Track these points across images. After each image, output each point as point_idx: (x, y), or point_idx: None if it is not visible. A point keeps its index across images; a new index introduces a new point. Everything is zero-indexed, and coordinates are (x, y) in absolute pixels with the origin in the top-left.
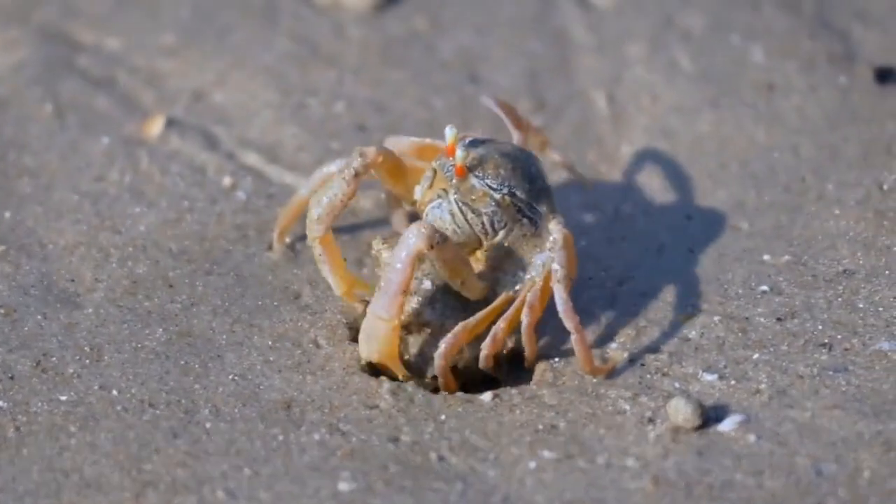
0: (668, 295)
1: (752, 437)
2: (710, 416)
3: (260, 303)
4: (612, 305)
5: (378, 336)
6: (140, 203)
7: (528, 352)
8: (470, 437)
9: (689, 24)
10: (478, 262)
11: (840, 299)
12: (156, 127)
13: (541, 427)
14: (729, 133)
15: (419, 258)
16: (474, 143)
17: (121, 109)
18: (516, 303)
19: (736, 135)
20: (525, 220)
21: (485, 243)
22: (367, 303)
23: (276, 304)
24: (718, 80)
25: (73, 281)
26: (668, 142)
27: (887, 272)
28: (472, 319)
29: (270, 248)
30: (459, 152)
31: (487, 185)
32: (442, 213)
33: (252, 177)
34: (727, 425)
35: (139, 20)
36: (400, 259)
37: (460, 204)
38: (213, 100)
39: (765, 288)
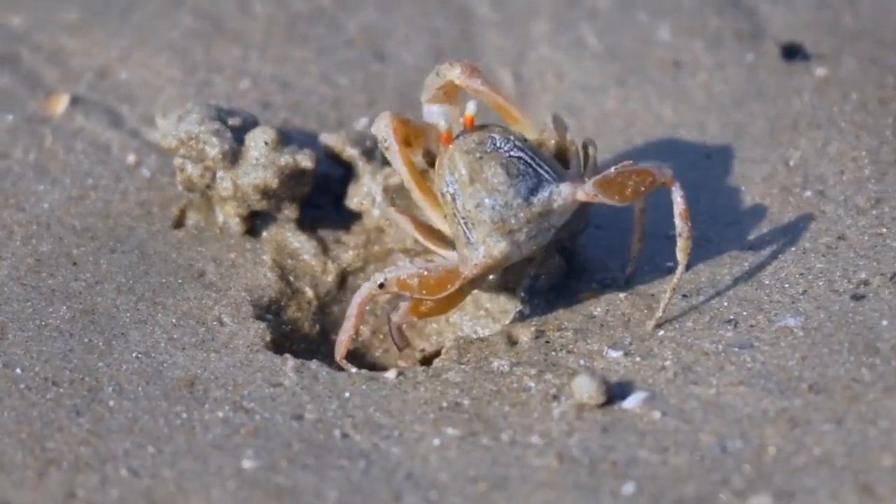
0: (574, 271)
1: (656, 414)
2: (614, 392)
3: (164, 280)
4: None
5: None
6: (44, 180)
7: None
8: (374, 415)
9: (595, 1)
10: None
11: (746, 276)
12: (60, 105)
13: (445, 404)
14: (635, 110)
15: (389, 124)
16: (486, 139)
17: (25, 87)
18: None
19: (642, 112)
20: (459, 227)
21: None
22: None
23: (180, 281)
24: (625, 57)
25: None
26: (575, 119)
27: (793, 248)
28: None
29: (176, 225)
30: (444, 123)
31: (446, 172)
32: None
33: (156, 154)
34: (632, 402)
35: None
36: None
37: (436, 167)
38: (118, 77)
39: (671, 264)
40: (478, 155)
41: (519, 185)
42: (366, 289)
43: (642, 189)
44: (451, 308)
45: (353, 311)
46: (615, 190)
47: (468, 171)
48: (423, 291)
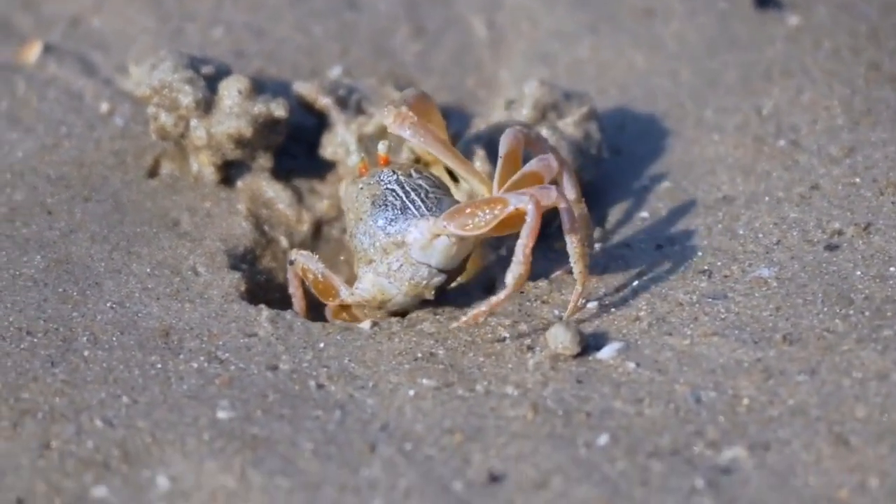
0: (548, 222)
1: (631, 365)
2: (589, 343)
3: (138, 230)
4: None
5: None
6: (17, 129)
7: None
8: (349, 365)
9: None
10: None
11: (720, 226)
12: (33, 53)
13: (420, 355)
14: (608, 58)
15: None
16: (376, 174)
17: None
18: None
19: (615, 60)
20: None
21: None
22: None
23: (154, 231)
24: (597, 5)
25: None
26: (548, 67)
27: (766, 198)
28: None
29: (150, 174)
30: (355, 158)
31: (359, 190)
32: None
33: (129, 103)
34: (606, 353)
35: None
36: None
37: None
38: (91, 25)
39: (644, 214)
40: (360, 186)
41: (377, 215)
42: (288, 261)
43: (493, 217)
44: (359, 320)
45: (291, 288)
46: (463, 221)
47: (347, 202)
48: (313, 289)
